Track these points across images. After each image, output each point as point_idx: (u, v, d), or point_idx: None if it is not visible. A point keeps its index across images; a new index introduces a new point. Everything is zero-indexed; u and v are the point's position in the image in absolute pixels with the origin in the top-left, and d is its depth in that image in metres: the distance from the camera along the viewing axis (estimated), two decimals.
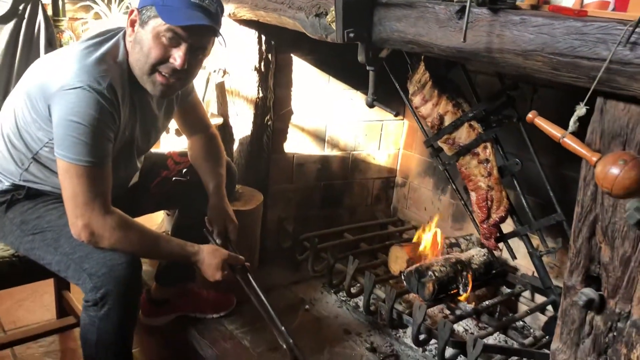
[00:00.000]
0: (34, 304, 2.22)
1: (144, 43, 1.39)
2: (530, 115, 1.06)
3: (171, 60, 1.39)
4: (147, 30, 1.38)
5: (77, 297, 2.09)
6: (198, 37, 1.40)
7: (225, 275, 1.52)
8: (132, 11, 1.42)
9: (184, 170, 1.81)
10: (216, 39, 1.47)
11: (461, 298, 1.91)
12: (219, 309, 1.98)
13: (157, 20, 1.36)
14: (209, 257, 1.51)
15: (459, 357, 1.66)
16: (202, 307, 1.97)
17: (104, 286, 1.33)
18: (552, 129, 1.04)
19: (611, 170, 0.93)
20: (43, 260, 1.44)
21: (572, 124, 1.00)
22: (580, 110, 0.99)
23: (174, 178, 1.79)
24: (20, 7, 1.77)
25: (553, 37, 1.00)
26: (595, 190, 1.06)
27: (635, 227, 1.01)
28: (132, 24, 1.42)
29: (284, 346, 1.48)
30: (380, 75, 1.67)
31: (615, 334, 1.08)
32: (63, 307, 2.06)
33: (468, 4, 1.06)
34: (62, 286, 2.06)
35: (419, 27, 1.22)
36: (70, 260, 1.38)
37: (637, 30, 0.88)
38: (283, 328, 1.56)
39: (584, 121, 1.05)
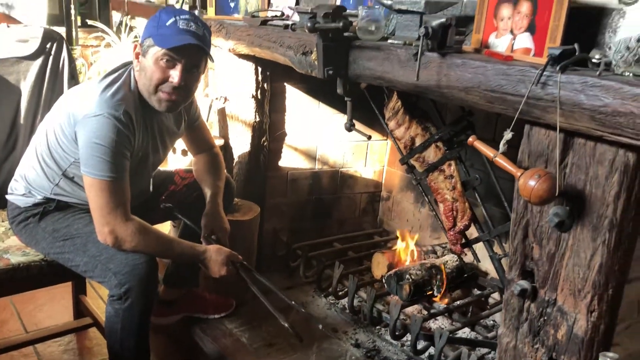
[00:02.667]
0: (53, 309, 2.43)
1: (147, 69, 1.63)
2: (470, 139, 1.30)
3: (170, 79, 1.62)
4: (148, 58, 1.62)
5: (93, 301, 2.32)
6: (190, 56, 1.61)
7: (229, 271, 1.74)
8: (135, 46, 1.67)
9: (164, 197, 2.01)
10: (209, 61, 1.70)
11: (435, 299, 2.14)
12: (220, 310, 2.20)
13: (155, 48, 1.60)
14: (215, 254, 1.73)
15: (430, 349, 1.89)
16: (204, 308, 2.19)
17: (127, 282, 1.56)
18: (487, 150, 1.27)
19: (529, 182, 1.15)
20: (71, 262, 1.66)
21: (502, 146, 1.23)
22: (508, 135, 1.22)
23: (161, 205, 1.99)
24: (48, 46, 2.03)
25: (486, 77, 1.23)
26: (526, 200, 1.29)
27: (555, 229, 1.24)
28: (137, 56, 1.66)
29: (286, 325, 1.64)
30: (363, 102, 1.92)
31: (545, 318, 1.29)
32: (80, 310, 2.26)
33: (420, 50, 1.30)
34: (79, 290, 2.28)
35: (385, 66, 1.46)
36: (97, 261, 1.61)
37: (545, 73, 1.13)
38: (293, 302, 1.78)
39: (517, 143, 1.29)
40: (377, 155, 2.76)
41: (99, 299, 2.47)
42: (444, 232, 2.00)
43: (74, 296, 2.29)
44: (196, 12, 2.44)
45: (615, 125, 1.03)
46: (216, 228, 1.89)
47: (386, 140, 2.73)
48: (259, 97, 2.39)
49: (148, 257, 1.61)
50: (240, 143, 2.47)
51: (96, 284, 2.46)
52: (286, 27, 1.85)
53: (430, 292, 2.11)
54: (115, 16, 4.21)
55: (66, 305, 2.38)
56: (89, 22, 3.98)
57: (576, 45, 1.13)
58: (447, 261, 2.19)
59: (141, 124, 1.70)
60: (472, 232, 1.95)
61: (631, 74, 1.06)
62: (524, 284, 1.31)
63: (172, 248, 1.73)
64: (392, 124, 1.91)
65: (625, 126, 1.01)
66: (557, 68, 1.10)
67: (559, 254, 1.25)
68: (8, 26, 2.01)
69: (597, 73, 1.07)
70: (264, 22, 2.05)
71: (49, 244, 1.69)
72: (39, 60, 2.03)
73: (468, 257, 2.21)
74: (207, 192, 1.96)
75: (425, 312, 2.15)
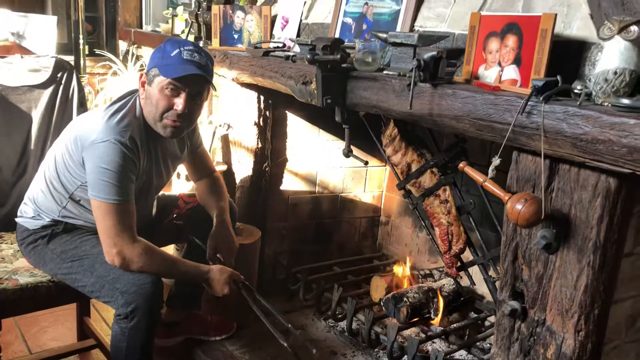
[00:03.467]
0: (57, 330, 2.45)
1: (152, 97, 1.70)
2: (460, 165, 1.37)
3: (175, 107, 1.69)
4: (154, 87, 1.70)
5: (96, 323, 2.36)
6: (193, 85, 1.69)
7: (232, 290, 1.79)
8: (141, 75, 1.75)
9: (175, 215, 2.08)
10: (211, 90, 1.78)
11: (433, 322, 2.17)
12: (221, 332, 2.23)
13: (160, 78, 1.68)
14: (218, 274, 1.78)
15: None
16: (206, 330, 2.22)
17: (133, 302, 1.61)
18: (476, 175, 1.34)
19: (516, 206, 1.21)
20: (79, 283, 1.71)
21: (490, 171, 1.30)
22: (496, 161, 1.28)
23: (174, 221, 2.05)
24: (58, 75, 2.12)
25: (475, 106, 1.30)
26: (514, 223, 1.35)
27: (543, 251, 1.29)
28: (143, 84, 1.74)
29: (285, 345, 1.69)
30: (362, 130, 1.98)
31: (535, 337, 1.34)
32: (84, 331, 2.29)
33: (412, 81, 1.38)
34: (83, 312, 2.31)
35: (381, 95, 1.53)
36: (104, 282, 1.66)
37: (529, 103, 1.19)
38: (290, 325, 1.83)
39: (507, 169, 1.35)
40: (376, 181, 2.82)
41: (102, 321, 2.50)
42: (440, 256, 2.05)
43: (78, 318, 2.32)
44: (201, 43, 2.53)
45: (595, 152, 1.09)
46: (220, 247, 1.94)
47: (384, 166, 2.79)
48: (261, 124, 2.47)
49: (154, 277, 1.66)
50: (243, 168, 2.54)
51: (100, 306, 2.51)
52: (287, 58, 1.94)
53: (427, 315, 2.14)
54: (122, 45, 4.34)
55: (70, 327, 2.42)
56: (97, 51, 4.10)
57: (559, 77, 1.19)
58: (444, 285, 2.23)
59: (146, 148, 1.77)
60: (468, 256, 2.00)
61: (609, 104, 1.13)
62: (514, 304, 1.36)
63: (177, 268, 1.79)
64: (389, 151, 1.98)
65: (604, 153, 1.07)
66: (541, 98, 1.17)
67: (547, 275, 1.30)
68: (22, 57, 2.10)
69: (578, 103, 1.14)
70: (266, 53, 2.13)
71: (57, 265, 1.75)
72: (50, 89, 2.12)
73: (465, 281, 2.26)
74: (213, 213, 2.02)
75: (422, 335, 2.18)
